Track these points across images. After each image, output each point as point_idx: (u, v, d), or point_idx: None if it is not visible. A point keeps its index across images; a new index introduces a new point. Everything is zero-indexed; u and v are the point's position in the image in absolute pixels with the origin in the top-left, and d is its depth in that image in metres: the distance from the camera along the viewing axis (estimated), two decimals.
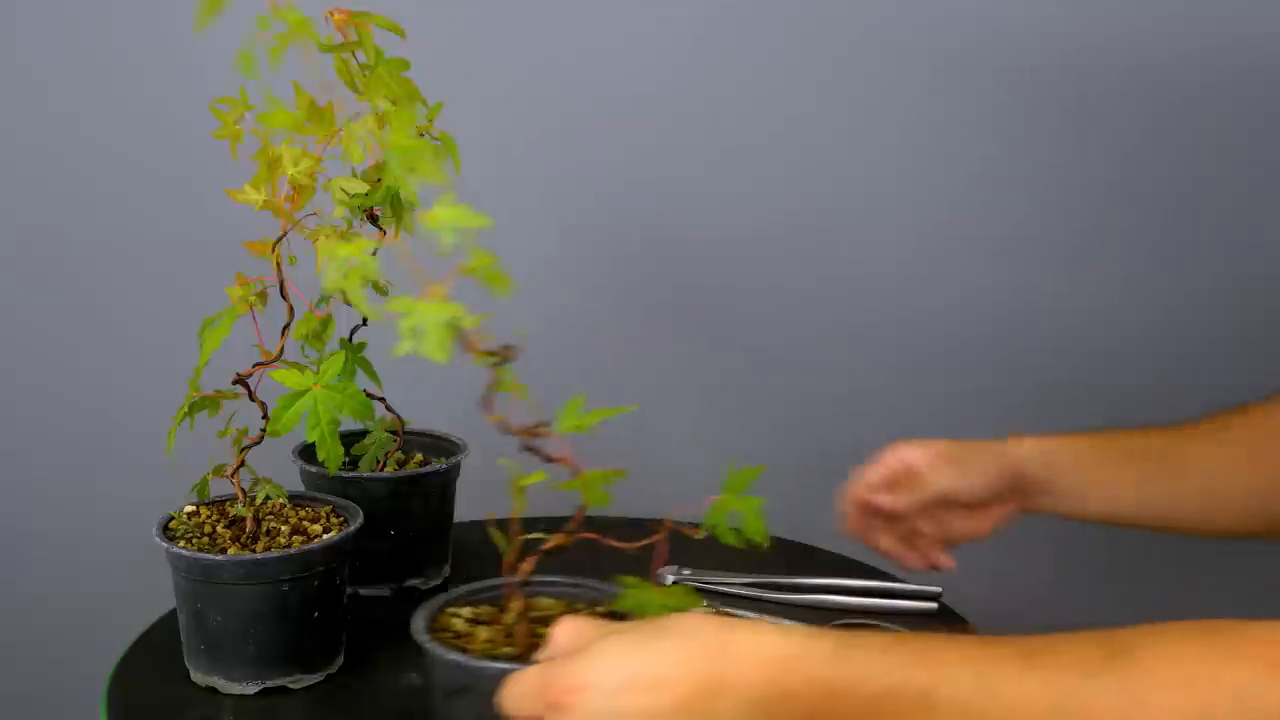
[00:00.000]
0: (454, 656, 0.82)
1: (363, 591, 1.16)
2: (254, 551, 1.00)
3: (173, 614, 1.06)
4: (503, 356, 0.75)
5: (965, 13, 1.49)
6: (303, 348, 1.01)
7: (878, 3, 1.51)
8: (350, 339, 1.11)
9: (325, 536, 1.01)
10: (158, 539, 1.00)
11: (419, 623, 0.87)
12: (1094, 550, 1.70)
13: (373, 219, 1.04)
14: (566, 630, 0.76)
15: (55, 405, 1.57)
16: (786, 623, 1.09)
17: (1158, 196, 1.55)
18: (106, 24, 1.45)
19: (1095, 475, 1.13)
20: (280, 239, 0.93)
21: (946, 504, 1.14)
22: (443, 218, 0.70)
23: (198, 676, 1.01)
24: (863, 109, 1.54)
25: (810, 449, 1.59)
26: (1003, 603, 1.31)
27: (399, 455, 1.22)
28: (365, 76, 0.93)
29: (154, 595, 1.11)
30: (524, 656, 0.83)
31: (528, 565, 0.85)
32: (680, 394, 1.60)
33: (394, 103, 0.93)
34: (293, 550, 0.98)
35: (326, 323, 1.02)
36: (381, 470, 1.18)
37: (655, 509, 1.38)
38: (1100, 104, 1.52)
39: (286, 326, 0.97)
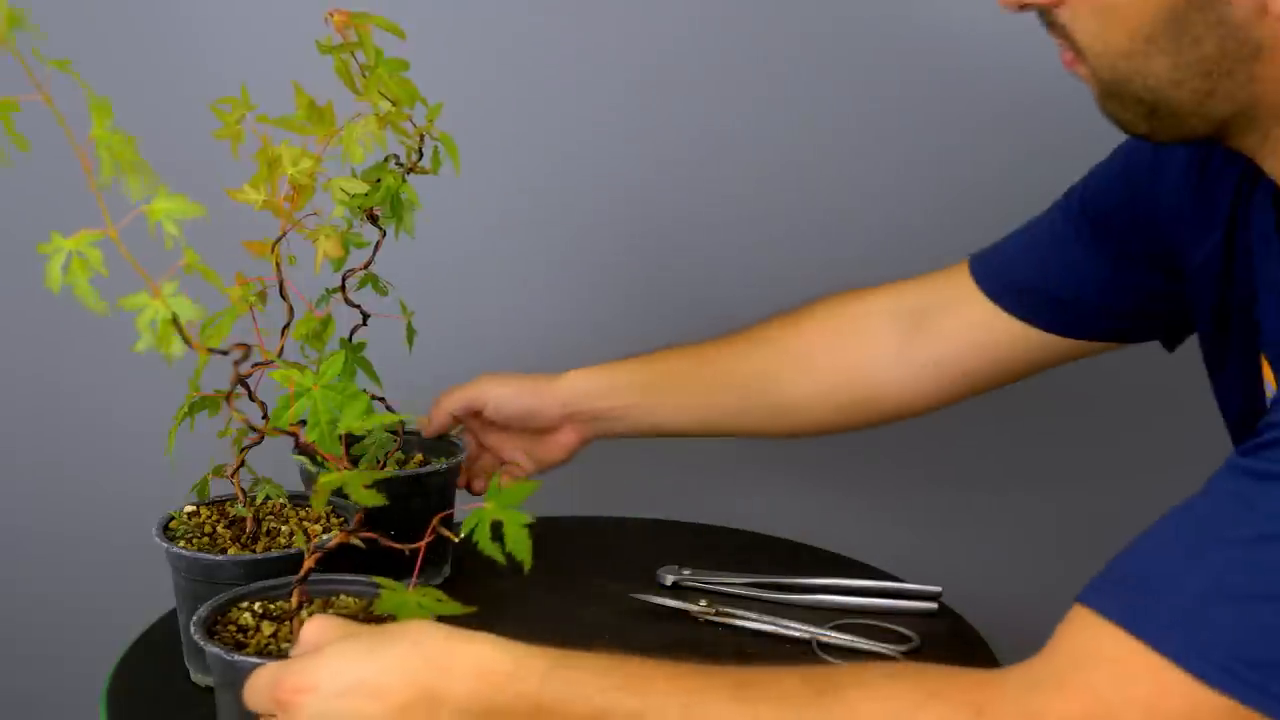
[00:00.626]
0: (213, 650, 0.83)
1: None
2: (254, 551, 1.00)
3: (173, 614, 1.06)
4: (242, 355, 0.79)
5: (968, 12, 1.49)
6: (302, 347, 1.01)
7: (880, 3, 1.51)
8: (350, 339, 1.11)
9: (323, 536, 1.01)
10: (158, 539, 1.01)
11: (202, 613, 0.87)
12: (1094, 550, 1.70)
13: (373, 219, 1.05)
14: (311, 629, 0.77)
15: (55, 405, 1.57)
16: (786, 623, 1.10)
17: None
18: (107, 24, 1.45)
19: (639, 399, 1.22)
20: (280, 239, 0.93)
21: (514, 430, 1.24)
22: (162, 210, 0.72)
23: (198, 676, 1.01)
24: (863, 109, 1.54)
25: (810, 449, 1.59)
26: (1003, 602, 1.31)
27: (399, 455, 1.21)
28: (365, 78, 0.93)
29: (154, 595, 1.11)
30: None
31: (309, 562, 0.85)
32: None
33: (394, 103, 0.93)
34: (292, 550, 0.98)
35: (326, 323, 1.02)
36: (380, 470, 1.17)
37: (657, 509, 1.39)
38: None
39: (286, 326, 0.97)
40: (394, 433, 1.19)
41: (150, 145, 0.76)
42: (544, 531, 0.83)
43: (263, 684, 0.75)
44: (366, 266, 1.09)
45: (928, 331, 1.16)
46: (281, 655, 0.85)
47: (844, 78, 1.52)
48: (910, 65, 1.51)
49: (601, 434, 1.25)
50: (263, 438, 0.91)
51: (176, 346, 0.72)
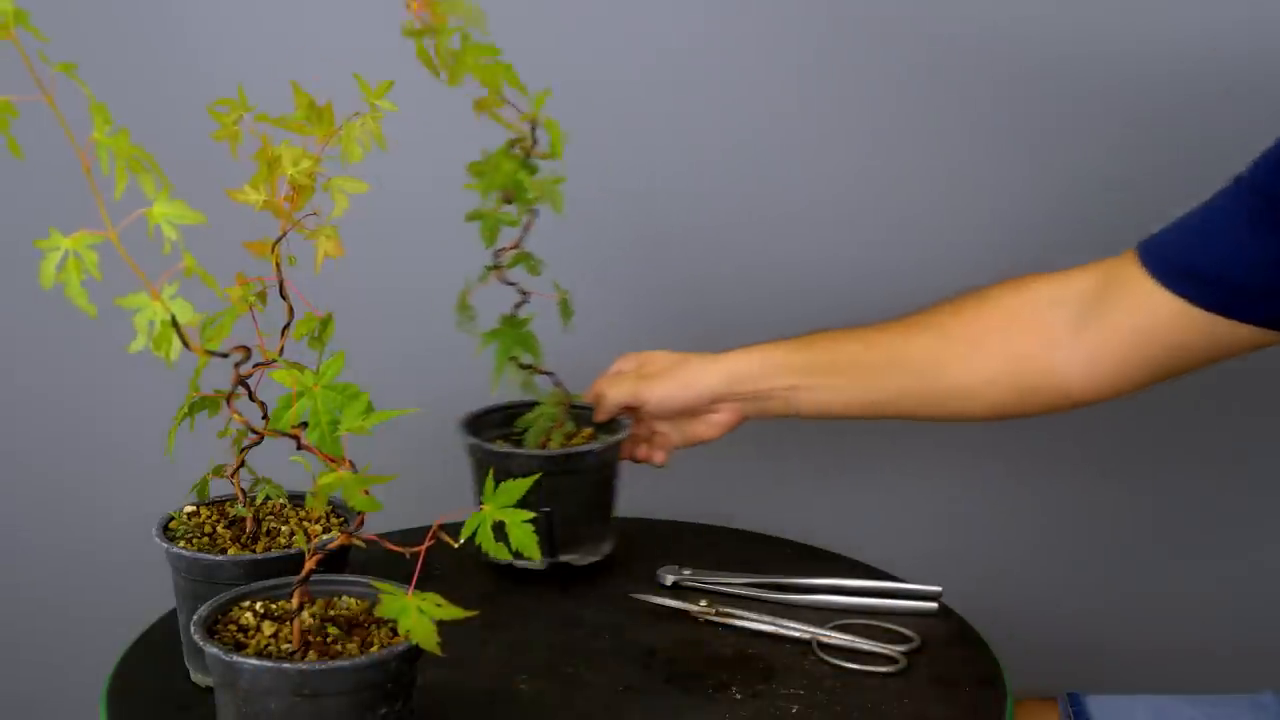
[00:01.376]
0: (213, 650, 0.82)
1: (517, 563, 1.14)
2: (254, 551, 1.00)
3: (173, 614, 1.06)
4: (242, 357, 0.81)
5: (971, 11, 1.49)
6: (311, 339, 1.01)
7: (883, 3, 1.51)
8: (515, 313, 1.16)
9: (324, 536, 1.01)
10: (158, 539, 1.00)
11: (203, 613, 0.87)
12: (1094, 550, 1.70)
13: (508, 200, 1.11)
14: None
15: (55, 405, 1.57)
16: (786, 623, 1.10)
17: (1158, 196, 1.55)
18: (106, 24, 1.45)
19: (801, 380, 1.23)
20: (280, 239, 0.93)
21: (671, 410, 1.26)
22: (161, 214, 0.72)
23: (198, 676, 1.01)
24: (866, 110, 1.54)
25: (811, 449, 1.59)
26: (1003, 602, 1.31)
27: (568, 429, 1.23)
28: (451, 64, 0.91)
29: (154, 595, 1.11)
30: (297, 655, 0.84)
31: (310, 562, 0.85)
32: None
33: (488, 89, 0.93)
34: (292, 550, 0.98)
35: (326, 323, 1.02)
36: (545, 446, 1.21)
37: (659, 508, 1.39)
38: (1099, 103, 1.52)
39: (286, 326, 0.97)
40: (569, 408, 1.23)
41: (150, 145, 0.76)
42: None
43: None
44: (516, 246, 1.15)
45: (1101, 318, 1.15)
46: (282, 656, 0.85)
47: (843, 75, 1.52)
48: (916, 66, 1.52)
49: (759, 414, 1.27)
50: (262, 438, 0.91)
51: (175, 348, 0.72)
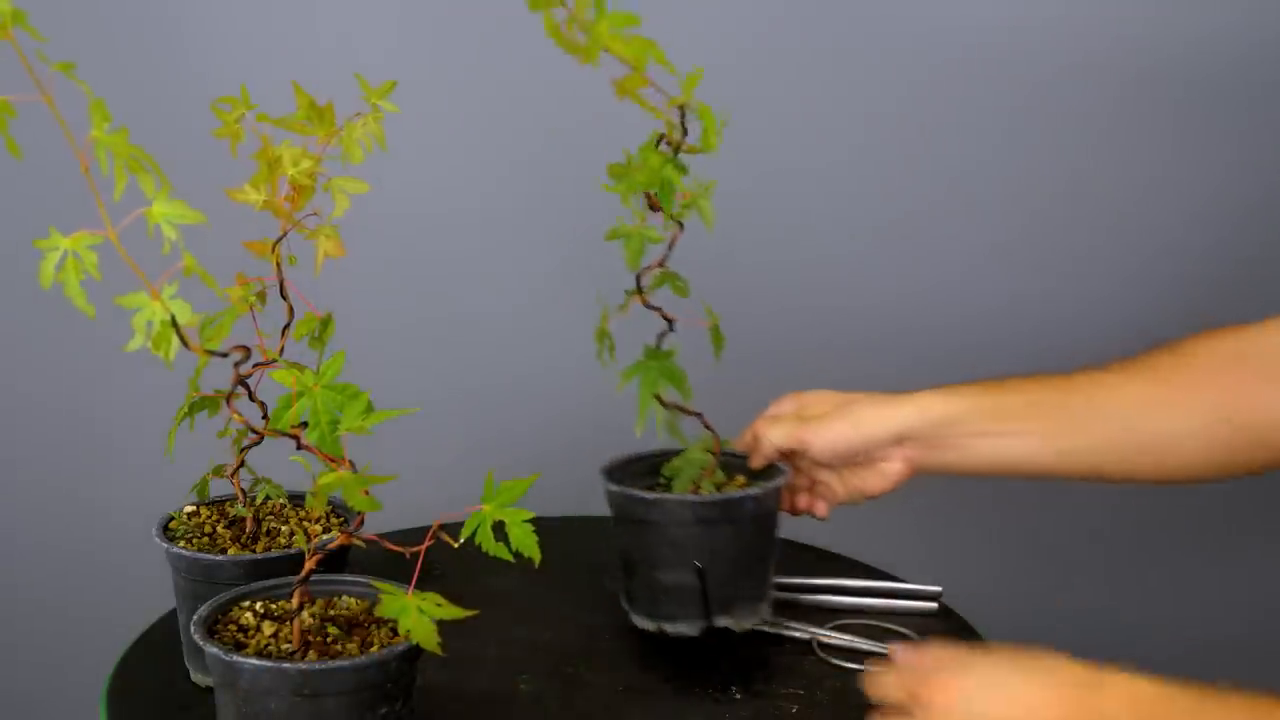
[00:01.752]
0: (213, 650, 0.82)
1: (668, 629, 1.05)
2: (254, 551, 1.00)
3: (173, 614, 1.06)
4: (242, 357, 0.79)
5: (981, 16, 1.49)
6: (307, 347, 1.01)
7: (886, 4, 1.51)
8: (658, 346, 1.02)
9: (324, 536, 1.01)
10: (158, 539, 1.01)
11: (203, 613, 0.87)
12: (1094, 550, 1.70)
13: (653, 206, 0.97)
14: (933, 653, 0.85)
15: (55, 406, 1.57)
16: (786, 623, 1.10)
17: (1170, 199, 1.55)
18: (105, 23, 1.45)
19: (990, 426, 1.11)
20: (280, 239, 0.93)
21: (839, 456, 1.13)
22: (161, 214, 0.72)
23: (198, 677, 1.01)
24: (864, 110, 1.54)
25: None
26: (1003, 602, 1.31)
27: (717, 478, 1.11)
28: (587, 38, 0.76)
29: (154, 595, 1.11)
30: (297, 655, 0.84)
31: (310, 563, 0.85)
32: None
33: (632, 65, 0.77)
34: (292, 550, 0.98)
35: (326, 323, 1.02)
36: (695, 493, 1.07)
37: None
38: (1112, 106, 1.52)
39: (286, 326, 0.97)
40: (713, 453, 1.10)
41: (150, 145, 0.76)
42: (544, 531, 0.82)
43: (902, 676, 0.84)
44: (662, 264, 0.99)
45: None
46: (282, 656, 0.85)
47: (852, 78, 1.52)
48: (921, 69, 1.52)
49: (933, 466, 1.14)
50: (262, 438, 0.91)
51: (174, 348, 0.72)
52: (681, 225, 0.96)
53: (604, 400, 1.58)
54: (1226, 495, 1.67)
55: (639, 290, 1.00)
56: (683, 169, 0.92)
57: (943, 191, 1.56)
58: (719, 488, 1.09)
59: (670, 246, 0.98)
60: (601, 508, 1.38)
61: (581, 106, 1.54)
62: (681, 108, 0.88)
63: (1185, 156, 1.51)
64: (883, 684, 0.85)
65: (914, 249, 1.59)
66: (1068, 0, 1.49)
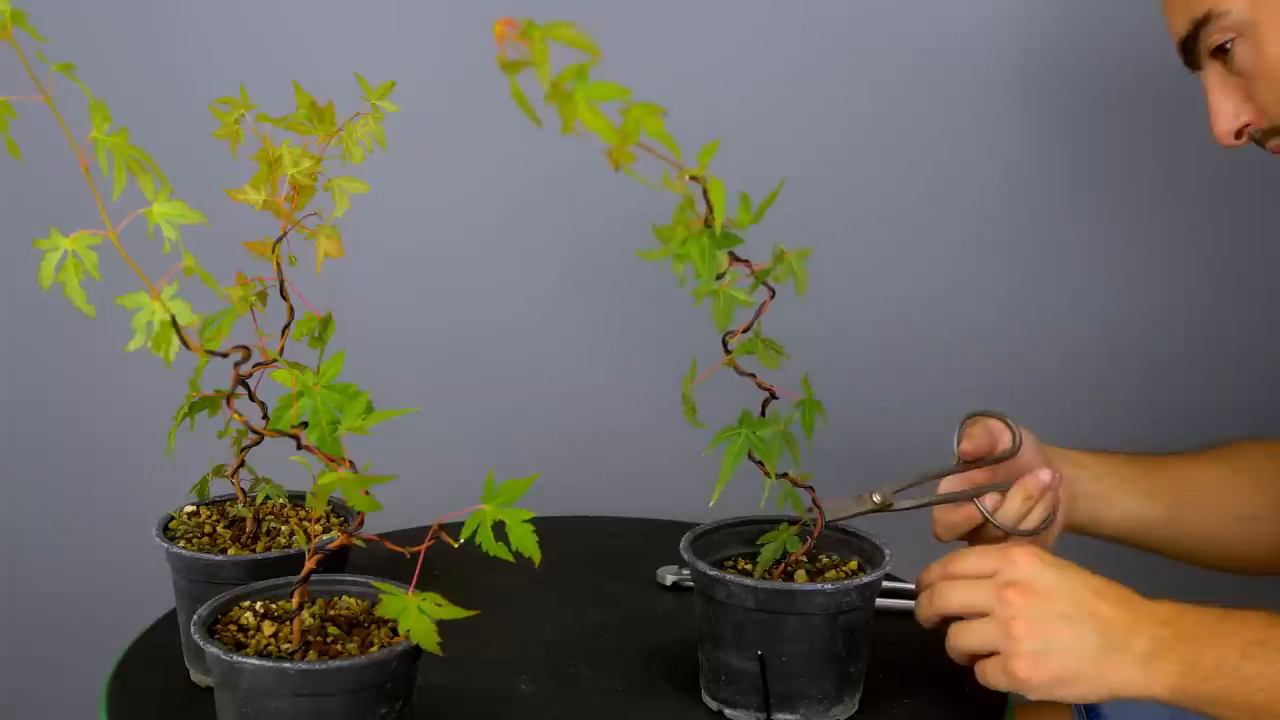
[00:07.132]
0: (213, 650, 0.82)
1: (727, 714, 0.99)
2: (254, 551, 1.00)
3: (173, 614, 1.06)
4: (241, 357, 0.80)
5: (984, 16, 1.49)
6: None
7: (888, 4, 1.51)
8: (763, 413, 0.95)
9: (324, 536, 1.01)
10: (158, 539, 1.00)
11: (203, 613, 0.87)
12: (1092, 549, 1.69)
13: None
14: (1022, 547, 0.96)
15: (55, 405, 1.57)
16: None
17: (1168, 198, 1.55)
18: (104, 23, 1.45)
19: (1089, 487, 1.17)
20: (280, 239, 0.93)
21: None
22: (161, 214, 0.72)
23: (198, 677, 1.01)
24: (865, 110, 1.54)
25: (812, 450, 1.58)
26: None
27: (828, 559, 1.03)
28: (562, 107, 0.66)
29: (154, 595, 1.11)
30: (297, 655, 0.84)
31: (310, 563, 0.85)
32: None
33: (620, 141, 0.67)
34: (292, 550, 0.98)
35: (326, 323, 1.02)
36: (779, 575, 1.00)
37: (657, 509, 1.39)
38: (1113, 105, 1.52)
39: (286, 326, 0.97)
40: (808, 529, 1.01)
41: (150, 145, 0.76)
42: (544, 531, 0.83)
43: (983, 571, 0.95)
44: (748, 329, 0.92)
45: None
46: (282, 656, 0.84)
47: (854, 78, 1.52)
48: (922, 69, 1.51)
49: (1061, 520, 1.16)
50: (262, 438, 0.91)
51: (174, 348, 0.72)
52: (773, 291, 0.89)
53: (604, 400, 1.58)
54: None
55: (727, 353, 0.93)
56: (730, 240, 0.83)
57: (943, 191, 1.56)
58: (819, 571, 1.02)
59: (760, 311, 0.91)
60: (602, 508, 1.38)
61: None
62: (700, 183, 0.79)
63: (1190, 156, 1.51)
64: (964, 571, 0.96)
65: (914, 249, 1.59)
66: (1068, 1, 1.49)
